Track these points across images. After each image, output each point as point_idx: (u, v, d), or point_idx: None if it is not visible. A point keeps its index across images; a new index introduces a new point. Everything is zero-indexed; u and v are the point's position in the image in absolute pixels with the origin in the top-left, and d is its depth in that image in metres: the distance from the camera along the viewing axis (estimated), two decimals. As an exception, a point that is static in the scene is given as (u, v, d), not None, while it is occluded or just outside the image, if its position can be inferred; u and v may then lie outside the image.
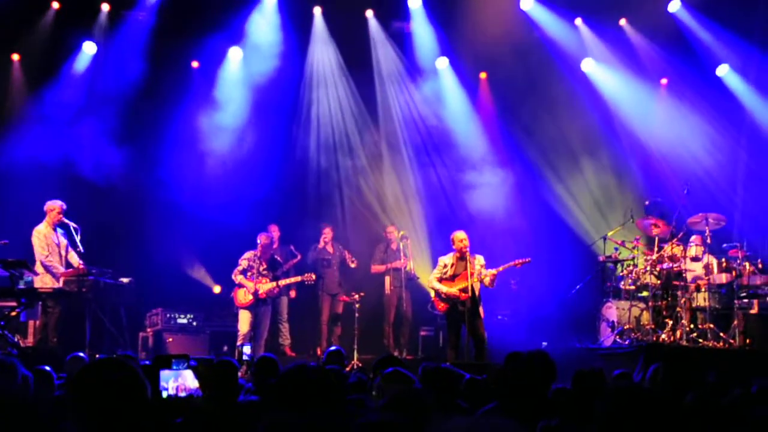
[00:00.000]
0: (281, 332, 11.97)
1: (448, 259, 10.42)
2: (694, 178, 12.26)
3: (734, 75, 13.13)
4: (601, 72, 13.48)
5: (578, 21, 13.41)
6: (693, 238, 10.95)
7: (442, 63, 13.57)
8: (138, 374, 2.93)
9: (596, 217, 13.25)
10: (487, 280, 10.18)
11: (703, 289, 10.48)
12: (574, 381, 5.26)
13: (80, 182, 12.08)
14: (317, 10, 13.34)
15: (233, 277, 10.96)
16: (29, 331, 10.67)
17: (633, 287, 11.06)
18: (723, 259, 10.73)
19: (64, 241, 10.31)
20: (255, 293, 10.85)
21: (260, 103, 13.14)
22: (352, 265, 12.08)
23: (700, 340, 10.10)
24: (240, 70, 13.31)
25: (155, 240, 12.07)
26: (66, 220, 10.25)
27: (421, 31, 13.40)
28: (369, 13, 13.49)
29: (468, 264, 10.11)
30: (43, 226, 10.26)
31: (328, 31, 13.39)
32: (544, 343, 11.55)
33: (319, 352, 11.62)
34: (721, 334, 10.12)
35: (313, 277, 11.29)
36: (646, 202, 11.98)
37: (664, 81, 13.56)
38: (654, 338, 10.25)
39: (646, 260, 11.06)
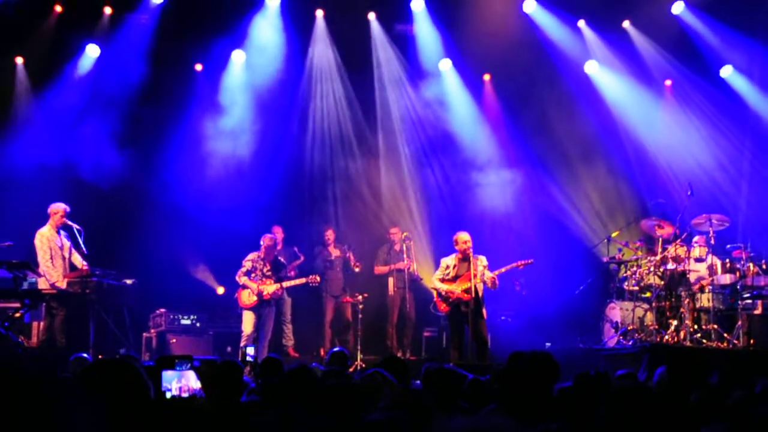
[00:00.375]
0: (285, 333, 11.99)
1: (450, 260, 10.43)
2: (698, 179, 12.23)
3: (738, 76, 13.11)
4: (605, 74, 13.47)
5: (581, 23, 13.39)
6: (696, 238, 10.95)
7: (446, 65, 13.56)
8: (141, 375, 2.94)
9: (600, 219, 13.24)
10: (489, 282, 10.19)
11: (706, 290, 10.47)
12: (577, 383, 5.25)
13: (84, 184, 12.09)
14: (319, 13, 13.34)
15: (237, 278, 10.97)
16: (33, 332, 10.69)
17: (637, 288, 11.05)
18: (727, 260, 10.73)
19: (67, 243, 10.33)
20: (259, 294, 10.85)
21: (263, 106, 13.15)
22: (357, 270, 12.07)
23: (704, 341, 10.08)
24: (243, 73, 13.32)
25: (159, 241, 12.07)
26: (69, 222, 10.27)
27: (424, 33, 13.39)
28: (371, 16, 13.49)
29: (471, 265, 10.12)
30: (46, 229, 10.28)
31: (331, 34, 13.39)
32: (548, 344, 11.56)
33: (322, 353, 11.62)
34: (725, 335, 10.11)
35: (318, 279, 11.30)
36: (651, 203, 11.96)
37: (668, 82, 13.53)
38: (658, 339, 10.24)
39: (649, 261, 11.04)
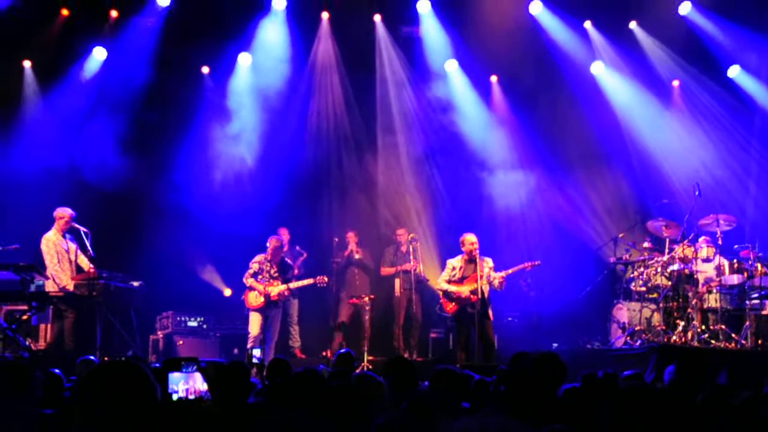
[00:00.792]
0: (291, 335, 12.00)
1: (456, 262, 10.44)
2: (706, 180, 12.19)
3: (746, 75, 13.05)
4: (611, 75, 13.43)
5: (587, 24, 13.36)
6: (703, 239, 10.90)
7: (452, 66, 13.55)
8: (147, 376, 2.94)
9: (607, 219, 13.20)
10: (496, 283, 10.20)
11: (714, 290, 10.43)
12: (584, 383, 5.24)
13: (90, 187, 12.13)
14: (325, 16, 13.34)
15: (244, 280, 10.97)
16: (40, 334, 10.73)
17: (644, 288, 11.01)
18: (734, 260, 10.67)
19: (73, 247, 10.33)
20: (266, 296, 10.86)
21: (269, 109, 13.17)
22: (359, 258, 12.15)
23: (712, 342, 10.04)
24: (249, 76, 13.35)
25: (165, 243, 12.11)
26: (76, 225, 10.28)
27: (431, 35, 13.39)
28: (377, 18, 13.49)
29: (477, 266, 10.12)
30: (51, 233, 10.28)
31: (337, 36, 13.39)
32: (555, 345, 11.54)
33: (329, 354, 11.62)
34: (733, 335, 10.07)
35: (326, 279, 11.29)
36: (658, 203, 11.93)
37: (675, 83, 13.48)
38: (665, 339, 10.20)
39: (656, 262, 11.01)
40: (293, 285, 11.11)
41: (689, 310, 10.38)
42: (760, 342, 9.99)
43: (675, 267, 10.72)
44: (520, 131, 13.51)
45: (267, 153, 13.07)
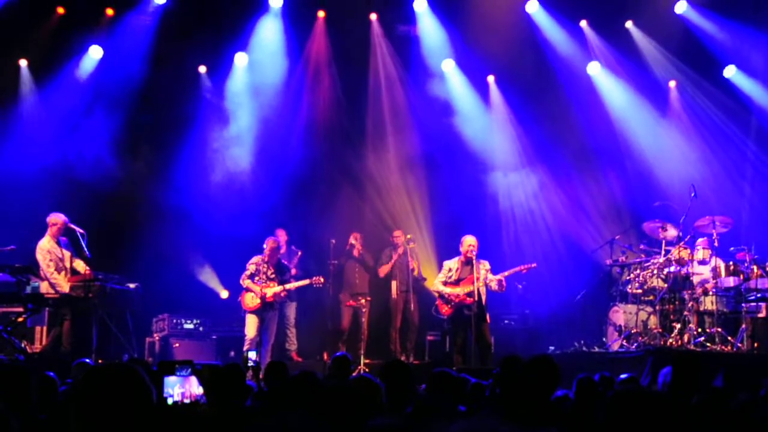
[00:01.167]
0: (288, 338, 11.96)
1: (453, 264, 10.45)
2: (702, 181, 12.21)
3: (742, 75, 13.05)
4: (607, 75, 13.44)
5: (583, 23, 13.37)
6: (700, 241, 10.90)
7: (449, 65, 13.55)
8: (143, 379, 2.92)
9: (603, 221, 13.20)
10: (493, 285, 10.21)
11: (710, 293, 10.42)
12: (579, 387, 5.23)
13: (86, 187, 12.09)
14: (321, 14, 13.33)
15: (241, 281, 10.95)
16: (36, 336, 10.69)
17: (640, 291, 11.01)
18: (730, 262, 10.67)
19: (67, 253, 10.24)
20: (262, 297, 10.83)
21: (266, 109, 13.16)
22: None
23: (708, 344, 10.04)
24: (246, 75, 13.34)
25: (162, 245, 12.08)
26: (73, 226, 10.22)
27: (427, 34, 13.39)
28: (373, 17, 13.49)
29: (473, 269, 10.12)
30: (45, 241, 10.15)
31: (334, 35, 13.37)
32: (551, 348, 11.54)
33: (326, 357, 11.60)
34: (729, 338, 10.07)
35: (321, 280, 11.25)
36: (654, 205, 11.94)
37: (672, 84, 13.48)
38: (661, 342, 10.20)
39: (653, 264, 11.01)
40: (289, 286, 11.10)
41: (685, 312, 10.38)
42: (756, 345, 9.99)
43: (671, 269, 10.72)
44: (516, 132, 13.52)
45: (264, 153, 13.04)
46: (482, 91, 13.76)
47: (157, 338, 11.86)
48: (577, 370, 6.47)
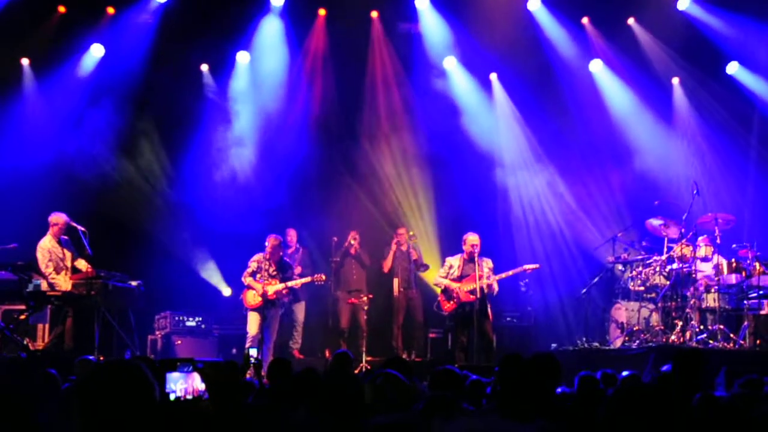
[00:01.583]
0: (293, 336, 11.95)
1: (455, 261, 10.47)
2: (704, 178, 12.19)
3: (745, 72, 13.01)
4: (610, 72, 13.42)
5: (585, 20, 13.35)
6: (702, 238, 10.89)
7: (451, 63, 13.54)
8: (146, 376, 2.93)
9: (605, 218, 13.19)
10: (495, 287, 10.30)
11: (712, 290, 10.41)
12: (581, 384, 5.24)
13: (88, 184, 12.12)
14: (322, 12, 13.33)
15: (243, 279, 10.95)
16: (38, 334, 10.71)
17: (642, 288, 11.01)
18: (733, 260, 10.66)
19: (68, 253, 10.27)
20: (264, 295, 10.83)
21: (269, 106, 13.17)
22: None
23: (710, 341, 10.04)
24: (248, 73, 13.34)
25: (164, 242, 12.09)
26: (74, 224, 10.23)
27: (430, 31, 13.38)
28: (374, 14, 13.48)
29: (476, 266, 10.13)
30: (46, 240, 10.16)
31: (336, 33, 13.36)
32: (553, 345, 11.54)
33: (327, 355, 11.60)
34: (731, 335, 10.06)
35: (323, 277, 11.25)
36: (656, 202, 11.93)
37: (675, 81, 13.45)
38: (663, 339, 10.20)
39: (655, 261, 11.01)
40: (291, 283, 11.09)
41: (687, 309, 10.37)
42: (758, 342, 9.98)
43: (673, 266, 10.72)
44: (519, 129, 13.51)
45: (267, 151, 13.05)
46: (485, 88, 13.75)
47: (159, 336, 11.87)
48: (579, 367, 6.49)
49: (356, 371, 9.93)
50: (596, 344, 11.05)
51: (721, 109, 13.05)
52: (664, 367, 5.90)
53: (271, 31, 13.14)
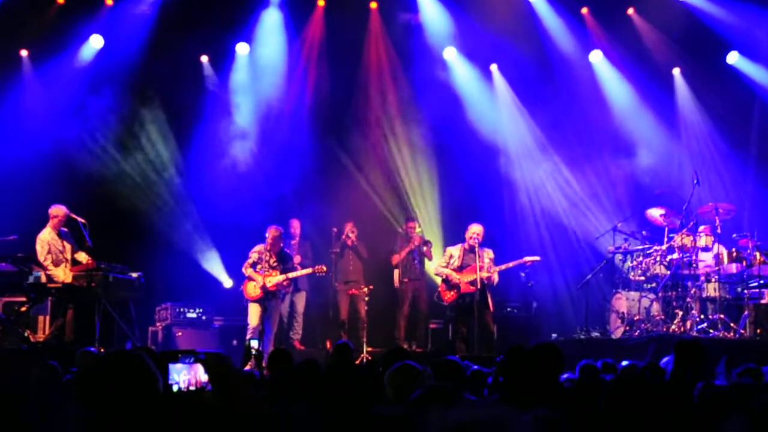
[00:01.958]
0: (294, 327, 11.96)
1: (455, 251, 10.48)
2: (705, 168, 12.17)
3: (746, 61, 12.97)
4: (609, 63, 13.39)
5: (584, 11, 13.31)
6: (702, 227, 10.90)
7: (451, 53, 13.51)
8: (149, 367, 2.93)
9: (605, 208, 13.18)
10: (495, 277, 10.30)
11: (713, 280, 10.42)
12: (582, 373, 5.25)
13: (88, 176, 12.11)
14: (321, 2, 13.28)
15: (243, 270, 10.94)
16: (39, 326, 10.72)
17: (643, 278, 11.02)
18: (733, 249, 10.67)
19: (68, 245, 10.26)
20: (264, 286, 10.83)
21: (269, 97, 13.14)
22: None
23: (711, 331, 10.06)
24: (248, 65, 13.32)
25: (165, 234, 12.09)
26: (74, 216, 10.21)
27: (430, 21, 13.34)
28: (373, 5, 13.44)
29: (477, 257, 10.13)
30: (46, 232, 10.14)
31: (334, 23, 13.32)
32: (554, 335, 11.56)
33: (328, 346, 11.62)
34: (732, 325, 10.08)
35: (324, 269, 11.24)
36: (656, 192, 11.93)
37: (676, 71, 13.41)
38: (664, 329, 10.22)
39: (655, 251, 11.01)
40: (292, 275, 11.09)
41: (688, 299, 10.39)
42: (759, 331, 10.00)
43: (674, 256, 10.72)
44: (519, 120, 13.50)
45: (267, 141, 13.02)
46: (485, 78, 13.71)
47: (159, 327, 11.89)
48: (580, 357, 6.49)
49: (357, 362, 9.94)
50: (597, 334, 11.07)
51: (721, 99, 13.03)
52: (663, 361, 5.91)
53: (270, 21, 13.10)
